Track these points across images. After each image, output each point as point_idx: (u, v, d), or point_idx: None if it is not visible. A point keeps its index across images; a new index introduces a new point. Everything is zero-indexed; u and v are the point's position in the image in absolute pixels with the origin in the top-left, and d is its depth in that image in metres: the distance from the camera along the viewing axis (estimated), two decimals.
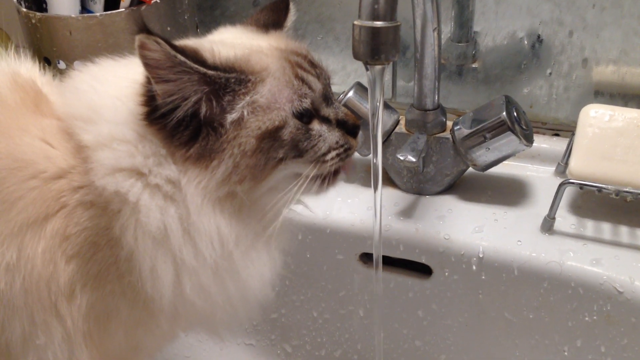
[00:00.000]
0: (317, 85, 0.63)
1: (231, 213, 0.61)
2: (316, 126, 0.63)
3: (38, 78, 0.68)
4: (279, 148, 0.60)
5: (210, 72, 0.56)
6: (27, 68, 0.68)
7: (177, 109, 0.56)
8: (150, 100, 0.56)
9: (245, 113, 0.58)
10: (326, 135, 0.63)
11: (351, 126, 0.66)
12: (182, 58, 0.54)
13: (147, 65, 0.54)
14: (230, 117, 0.58)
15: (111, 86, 0.61)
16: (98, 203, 0.58)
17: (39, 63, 0.70)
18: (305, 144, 0.61)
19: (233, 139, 0.58)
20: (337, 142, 0.64)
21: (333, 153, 0.64)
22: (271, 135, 0.59)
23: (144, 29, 0.53)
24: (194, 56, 0.56)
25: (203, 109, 0.57)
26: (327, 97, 0.65)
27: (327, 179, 0.65)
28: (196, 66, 0.55)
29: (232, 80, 0.58)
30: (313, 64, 0.65)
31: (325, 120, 0.64)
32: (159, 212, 0.58)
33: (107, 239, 0.59)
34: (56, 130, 0.60)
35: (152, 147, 0.58)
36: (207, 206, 0.59)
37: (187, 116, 0.57)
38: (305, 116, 0.62)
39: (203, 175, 0.58)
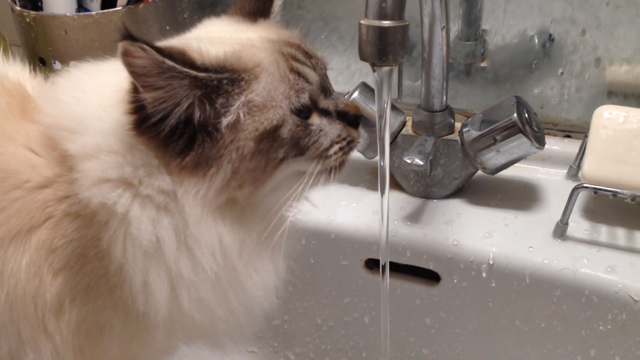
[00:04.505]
0: (314, 77, 0.60)
1: (233, 220, 0.58)
2: (316, 120, 0.60)
3: (27, 81, 0.65)
4: (279, 148, 0.57)
5: (201, 74, 0.53)
6: (16, 70, 0.66)
7: (169, 116, 0.53)
8: (138, 108, 0.53)
9: (241, 114, 0.55)
10: (327, 129, 0.60)
11: (352, 117, 0.63)
12: (171, 63, 0.51)
13: (133, 73, 0.51)
14: (226, 120, 0.55)
15: (94, 95, 0.58)
16: (84, 214, 0.56)
17: (33, 64, 0.67)
18: (306, 140, 0.58)
19: (230, 143, 0.55)
20: (339, 135, 0.61)
21: (336, 147, 0.61)
22: (270, 136, 0.56)
23: (128, 35, 0.49)
24: (182, 59, 0.53)
25: (197, 114, 0.54)
26: (325, 88, 0.62)
27: (332, 172, 0.62)
28: (186, 70, 0.52)
29: (225, 81, 0.54)
30: (308, 54, 0.61)
31: (324, 112, 0.61)
32: (150, 224, 0.55)
33: (96, 251, 0.57)
34: (42, 137, 0.58)
35: (142, 157, 0.55)
36: (207, 216, 0.56)
37: (180, 123, 0.54)
38: (304, 111, 0.59)
39: (201, 184, 0.55)
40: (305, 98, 0.58)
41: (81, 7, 1.03)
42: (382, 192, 0.70)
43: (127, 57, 0.50)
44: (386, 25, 0.60)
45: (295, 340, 1.01)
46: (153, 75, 0.51)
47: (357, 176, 0.98)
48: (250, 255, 0.61)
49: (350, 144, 0.63)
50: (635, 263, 0.79)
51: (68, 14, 0.96)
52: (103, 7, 1.02)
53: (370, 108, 0.89)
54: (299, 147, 0.58)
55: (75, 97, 0.58)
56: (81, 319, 0.59)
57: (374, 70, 0.63)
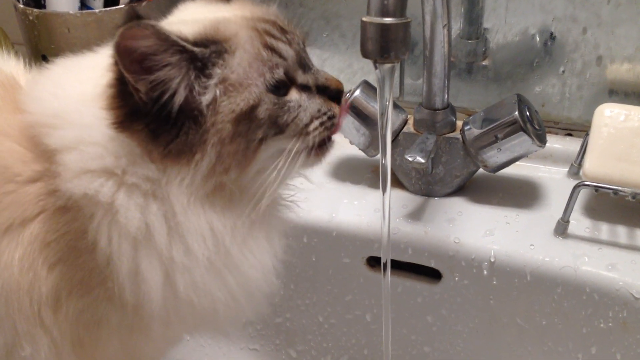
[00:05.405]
0: (289, 52, 0.58)
1: (223, 206, 0.58)
2: (294, 96, 0.59)
3: (22, 75, 0.65)
4: (257, 128, 0.56)
5: (196, 49, 0.53)
6: (9, 64, 0.65)
7: (173, 96, 0.53)
8: (123, 103, 0.53)
9: (218, 93, 0.54)
10: (306, 104, 0.59)
11: (334, 91, 0.62)
12: (175, 37, 0.51)
13: (133, 60, 0.50)
14: (205, 99, 0.54)
15: (74, 90, 0.57)
16: (73, 207, 0.55)
17: (36, 61, 0.67)
18: (284, 118, 0.57)
19: (212, 126, 0.54)
20: (319, 110, 0.60)
21: (316, 122, 0.60)
22: (247, 117, 0.55)
23: (136, 16, 0.49)
24: (176, 34, 0.52)
25: (195, 92, 0.54)
26: (303, 63, 0.60)
27: (313, 150, 0.61)
28: (185, 43, 0.52)
29: (213, 54, 0.54)
30: (283, 30, 0.60)
31: (304, 88, 0.60)
32: (138, 212, 0.55)
33: (86, 244, 0.56)
34: (30, 133, 0.57)
35: (124, 146, 0.54)
36: (195, 204, 0.56)
37: (177, 107, 0.53)
38: (281, 87, 0.57)
39: (185, 172, 0.55)
40: (279, 74, 0.57)
41: (84, 5, 1.03)
42: (384, 190, 0.70)
43: (128, 41, 0.49)
44: (388, 22, 0.60)
45: (297, 338, 1.00)
46: (160, 53, 0.51)
47: (358, 174, 0.98)
48: (244, 238, 0.60)
49: (331, 119, 0.61)
50: (636, 261, 0.79)
51: (71, 12, 0.96)
52: (106, 5, 1.02)
53: (372, 106, 0.89)
54: (278, 125, 0.57)
55: (54, 93, 0.57)
56: (78, 313, 0.58)
57: (375, 68, 0.63)
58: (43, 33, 0.96)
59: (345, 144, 0.93)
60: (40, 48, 0.98)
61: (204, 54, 0.54)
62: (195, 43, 0.53)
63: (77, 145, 0.54)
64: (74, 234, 0.56)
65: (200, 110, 0.54)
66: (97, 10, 0.95)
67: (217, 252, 0.58)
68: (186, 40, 0.53)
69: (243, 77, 0.55)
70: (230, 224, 0.58)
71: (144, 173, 0.55)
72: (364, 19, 0.61)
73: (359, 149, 0.93)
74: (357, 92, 0.90)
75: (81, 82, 0.58)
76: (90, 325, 0.60)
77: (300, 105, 0.58)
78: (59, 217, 0.56)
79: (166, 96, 0.53)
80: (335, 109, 0.62)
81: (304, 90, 0.60)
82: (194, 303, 0.59)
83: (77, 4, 1.01)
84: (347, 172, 0.99)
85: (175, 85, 0.53)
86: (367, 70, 1.07)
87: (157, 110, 0.53)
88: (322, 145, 0.62)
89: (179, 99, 0.53)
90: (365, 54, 0.62)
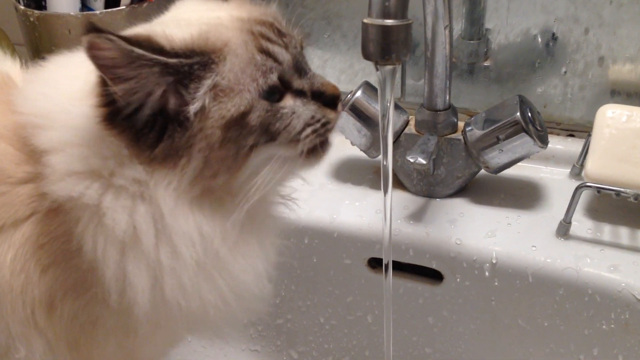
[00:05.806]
0: (285, 56, 0.57)
1: (212, 210, 0.57)
2: (289, 102, 0.57)
3: (18, 75, 0.64)
4: (248, 135, 0.55)
5: (171, 60, 0.51)
6: (6, 64, 0.65)
7: (142, 107, 0.52)
8: (108, 102, 0.52)
9: (207, 100, 0.53)
10: (300, 111, 0.57)
11: (329, 97, 0.60)
12: (140, 51, 0.49)
13: (101, 66, 0.50)
14: (193, 107, 0.53)
15: (63, 89, 0.57)
16: (61, 210, 0.55)
17: (35, 62, 0.67)
18: (277, 125, 0.56)
19: (199, 131, 0.53)
20: (312, 117, 0.58)
21: (308, 130, 0.58)
22: (237, 123, 0.54)
23: (93, 28, 0.48)
24: (150, 46, 0.51)
25: (171, 103, 0.53)
26: (300, 67, 0.59)
27: (309, 154, 0.59)
28: (155, 56, 0.51)
29: (196, 66, 0.53)
30: (280, 33, 0.58)
31: (299, 93, 0.58)
32: (126, 214, 0.54)
33: (78, 246, 0.55)
34: (22, 134, 0.57)
35: (112, 148, 0.53)
36: (182, 207, 0.55)
37: (153, 114, 0.52)
38: (276, 93, 0.56)
39: (172, 176, 0.54)
40: (273, 79, 0.56)
41: (85, 6, 1.02)
42: (385, 191, 0.70)
43: (93, 51, 0.48)
44: (389, 24, 0.59)
45: (298, 339, 1.00)
46: (123, 66, 0.50)
47: (360, 175, 0.98)
48: (235, 241, 0.59)
49: (325, 126, 0.59)
50: (638, 262, 0.78)
51: (72, 13, 0.96)
52: (107, 6, 1.02)
53: (374, 107, 0.89)
54: (270, 132, 0.56)
55: (43, 93, 0.57)
56: (73, 314, 0.58)
57: (377, 69, 0.63)
58: (44, 34, 0.96)
59: (346, 145, 0.93)
60: (41, 49, 0.98)
61: (182, 65, 0.52)
62: (176, 54, 0.52)
63: (63, 147, 0.54)
64: (66, 236, 0.56)
65: (187, 116, 0.53)
66: (98, 12, 0.95)
67: (206, 255, 0.57)
68: (161, 51, 0.51)
69: (234, 82, 0.54)
70: (220, 227, 0.57)
71: (132, 175, 0.54)
72: (365, 20, 0.60)
73: (360, 150, 0.93)
74: (359, 93, 0.90)
75: (71, 79, 0.57)
76: (86, 327, 0.59)
77: (294, 112, 0.57)
78: (51, 219, 0.55)
79: (134, 106, 0.52)
80: (331, 114, 0.60)
81: (298, 96, 0.58)
82: (181, 306, 0.57)
83: (78, 5, 1.01)
84: (349, 173, 0.99)
85: (142, 97, 0.52)
86: (369, 71, 1.07)
87: (130, 115, 0.52)
88: (315, 150, 0.60)
89: (147, 112, 0.52)
90: (366, 55, 0.62)
